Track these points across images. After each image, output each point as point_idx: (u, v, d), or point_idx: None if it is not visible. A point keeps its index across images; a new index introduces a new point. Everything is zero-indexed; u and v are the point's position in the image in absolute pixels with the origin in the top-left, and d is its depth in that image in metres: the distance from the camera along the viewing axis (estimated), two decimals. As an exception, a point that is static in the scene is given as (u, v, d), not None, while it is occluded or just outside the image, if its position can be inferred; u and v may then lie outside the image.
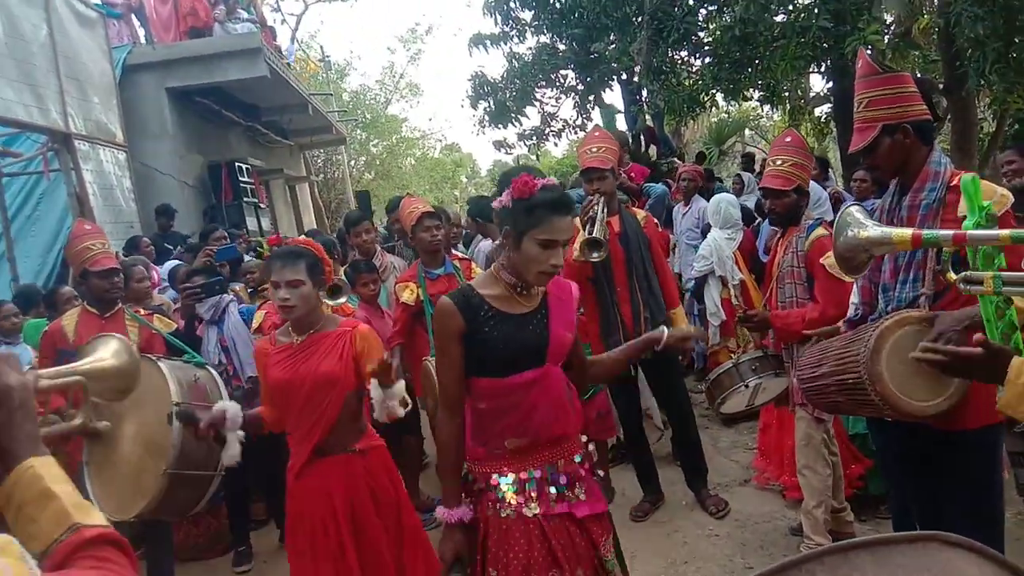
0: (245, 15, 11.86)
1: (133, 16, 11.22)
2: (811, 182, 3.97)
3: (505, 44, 13.11)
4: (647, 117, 12.49)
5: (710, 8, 10.00)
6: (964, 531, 1.03)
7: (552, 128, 14.20)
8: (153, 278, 5.69)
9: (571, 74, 13.41)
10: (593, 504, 2.31)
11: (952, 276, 1.61)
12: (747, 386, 4.01)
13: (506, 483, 2.26)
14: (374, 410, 2.82)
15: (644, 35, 9.68)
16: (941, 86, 8.07)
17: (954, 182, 2.39)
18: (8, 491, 1.10)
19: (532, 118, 13.93)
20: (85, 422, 1.74)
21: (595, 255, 4.05)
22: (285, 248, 3.09)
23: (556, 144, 15.51)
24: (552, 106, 14.12)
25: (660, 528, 4.42)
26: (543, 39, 12.96)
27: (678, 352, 4.59)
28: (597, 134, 4.57)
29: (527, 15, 12.58)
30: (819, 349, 2.76)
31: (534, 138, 14.21)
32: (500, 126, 13.62)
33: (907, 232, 1.72)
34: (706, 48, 10.15)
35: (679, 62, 10.55)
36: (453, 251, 4.99)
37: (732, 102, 11.87)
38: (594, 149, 4.32)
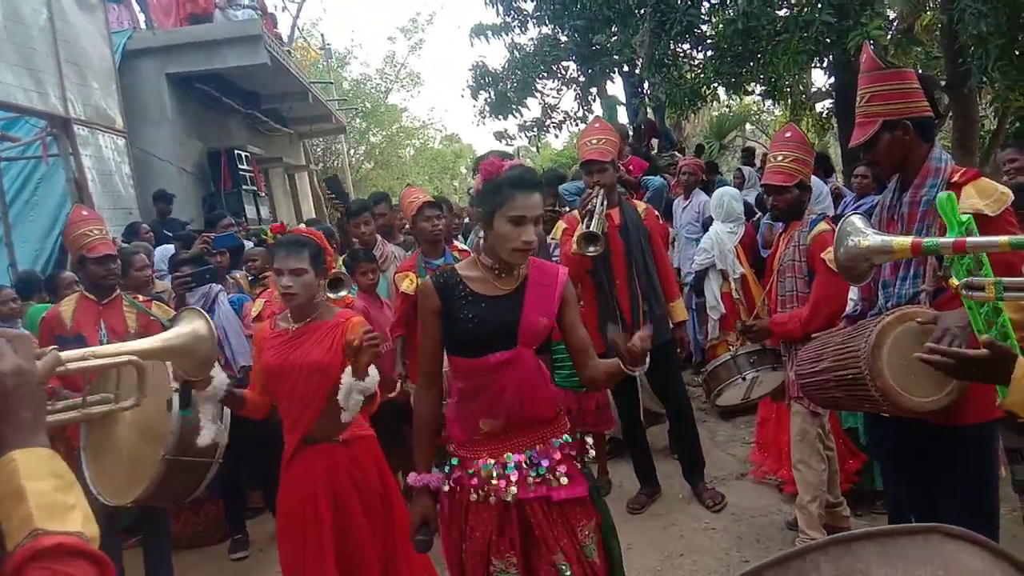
0: (246, 2, 11.82)
1: (133, 1, 11.19)
2: (812, 177, 3.97)
3: (506, 35, 13.08)
4: (648, 110, 12.47)
5: (713, 1, 9.95)
6: (961, 525, 1.03)
7: (553, 120, 14.19)
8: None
9: (572, 66, 13.39)
10: (571, 489, 2.33)
11: (955, 282, 1.61)
12: (744, 379, 4.02)
13: (486, 469, 2.32)
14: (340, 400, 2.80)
15: (646, 27, 9.64)
16: (943, 83, 8.05)
17: (955, 179, 2.39)
18: None
19: (533, 109, 13.93)
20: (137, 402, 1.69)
21: (591, 249, 4.05)
22: (290, 236, 3.12)
23: (557, 136, 15.51)
24: (553, 98, 14.12)
25: (657, 521, 4.43)
26: (545, 30, 12.92)
27: (676, 345, 4.59)
28: (597, 126, 4.55)
29: (529, 5, 12.55)
30: (818, 344, 2.76)
31: (535, 129, 14.20)
32: (501, 117, 13.60)
33: (907, 240, 1.73)
34: (708, 41, 10.11)
35: (681, 55, 10.51)
36: (454, 242, 4.98)
37: (733, 96, 11.86)
38: (594, 141, 4.31)
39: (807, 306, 3.44)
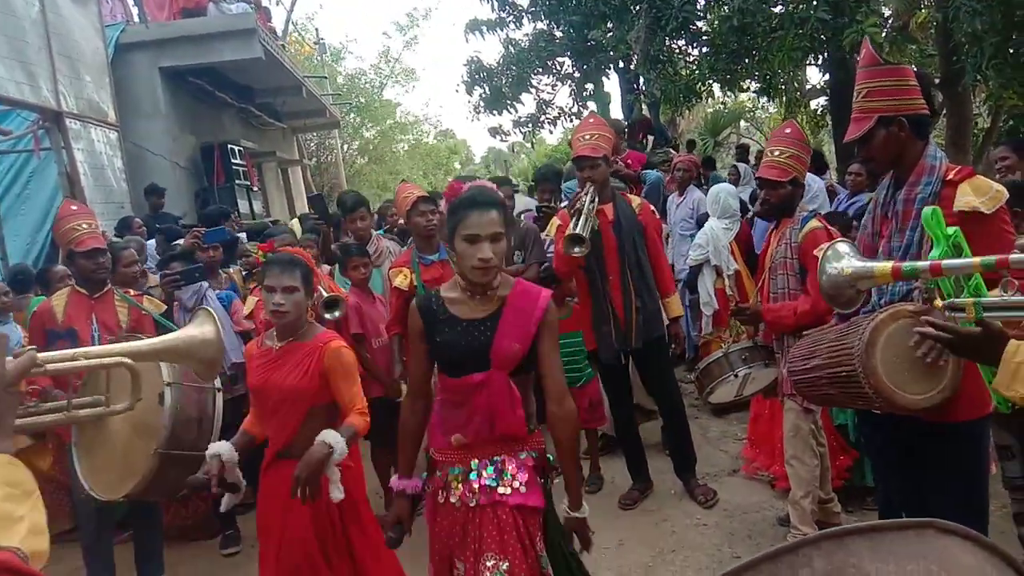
0: (240, -5, 11.75)
1: (127, -6, 11.13)
2: (808, 175, 3.97)
3: (501, 30, 13.06)
4: (643, 107, 12.47)
5: (708, -2, 9.97)
6: (952, 521, 1.03)
7: (547, 115, 14.18)
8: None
9: (568, 61, 13.38)
10: (526, 497, 2.40)
11: (939, 303, 1.64)
12: (736, 376, 4.02)
13: (453, 474, 2.44)
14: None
15: (642, 23, 9.65)
16: (937, 81, 8.07)
17: (949, 177, 2.39)
18: None
19: (528, 105, 13.92)
20: (131, 405, 1.64)
21: (576, 250, 4.05)
22: (284, 255, 3.16)
23: (551, 132, 15.50)
24: (548, 93, 14.10)
25: (648, 517, 4.44)
26: (540, 25, 12.91)
27: (669, 341, 4.60)
28: (592, 121, 4.54)
29: (524, 1, 12.53)
30: (810, 341, 2.76)
31: (529, 125, 14.19)
32: (495, 112, 13.59)
33: (887, 265, 1.77)
34: (704, 38, 10.11)
35: (676, 51, 10.53)
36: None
37: (728, 93, 11.87)
38: (587, 137, 4.30)
39: (807, 299, 3.41)
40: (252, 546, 4.64)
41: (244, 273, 5.35)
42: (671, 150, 10.91)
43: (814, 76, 13.91)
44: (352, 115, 24.88)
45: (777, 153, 3.60)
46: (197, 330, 2.05)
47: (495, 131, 14.77)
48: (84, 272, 3.94)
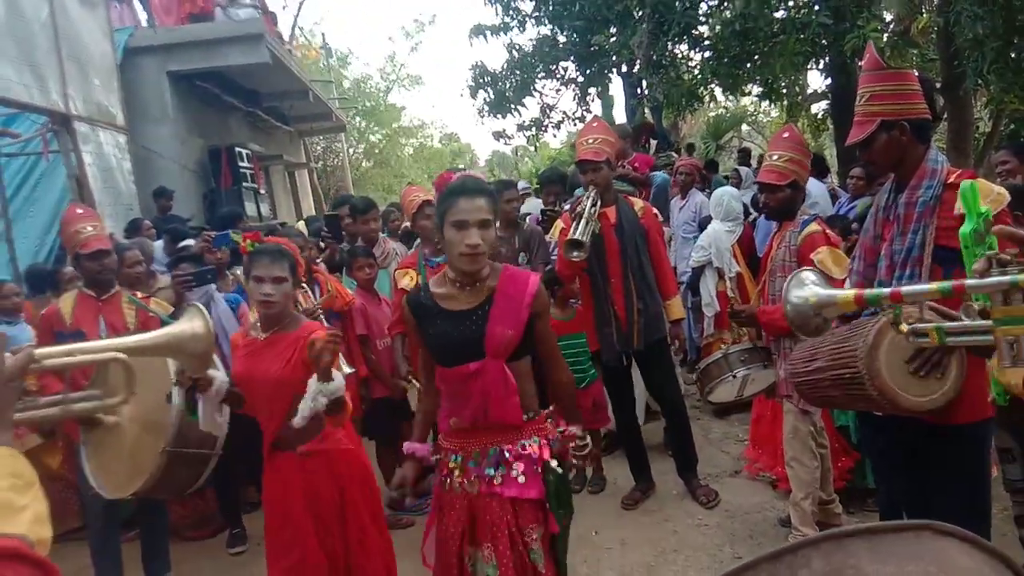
0: (247, 0, 11.83)
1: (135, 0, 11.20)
2: (811, 180, 3.99)
3: (505, 34, 13.11)
4: (646, 111, 12.51)
5: (711, 3, 10.01)
6: (955, 523, 1.03)
7: (551, 119, 14.22)
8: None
9: (571, 66, 13.42)
10: (523, 489, 2.40)
11: (904, 328, 1.66)
12: (734, 376, 4.05)
13: (455, 461, 2.47)
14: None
15: (645, 28, 9.70)
16: (938, 85, 8.10)
17: (951, 180, 2.40)
18: None
19: (531, 109, 13.97)
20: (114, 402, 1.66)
21: (575, 255, 4.09)
22: (272, 245, 3.15)
23: (555, 135, 15.53)
24: (552, 97, 14.15)
25: (650, 517, 4.47)
26: (544, 30, 12.97)
27: (672, 342, 4.63)
28: (595, 125, 4.55)
29: (528, 5, 12.60)
30: (812, 344, 2.77)
31: (533, 129, 14.23)
32: (499, 116, 13.63)
33: (850, 293, 1.76)
34: (706, 42, 10.15)
35: (679, 56, 10.57)
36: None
37: (730, 97, 11.90)
38: (590, 140, 4.33)
39: None
40: (258, 544, 4.69)
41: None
42: (673, 154, 10.96)
43: (815, 80, 13.96)
44: (358, 119, 24.94)
45: (776, 157, 3.62)
46: (187, 325, 2.06)
47: (499, 135, 14.84)
48: (89, 274, 3.95)
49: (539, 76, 13.39)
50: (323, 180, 20.96)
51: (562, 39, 12.73)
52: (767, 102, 12.13)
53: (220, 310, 4.62)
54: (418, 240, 5.19)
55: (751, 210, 6.66)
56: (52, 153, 7.72)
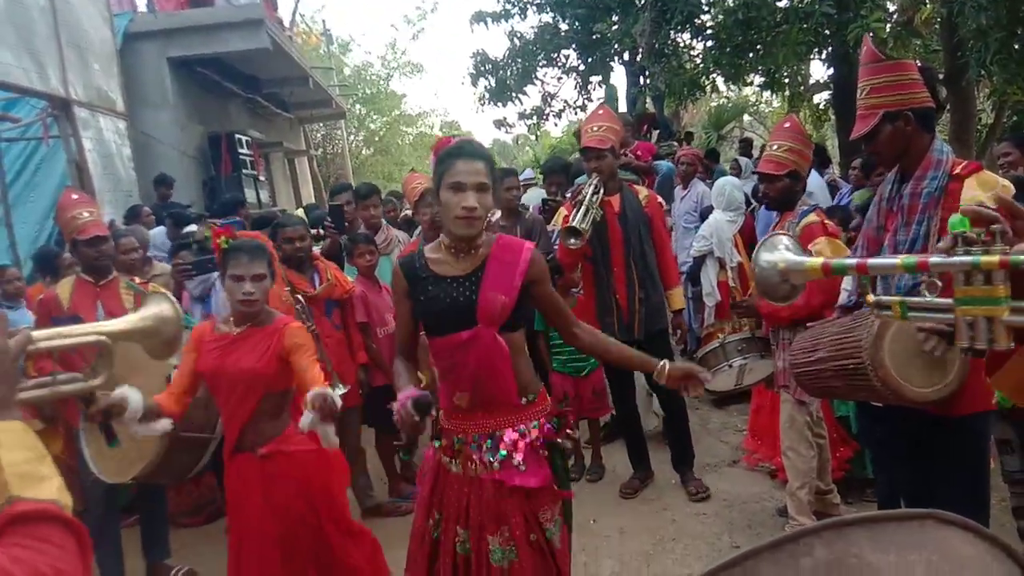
0: (248, -15, 11.78)
1: (135, -15, 11.15)
2: (813, 171, 3.99)
3: (507, 22, 13.06)
4: (648, 100, 12.49)
5: (713, -8, 9.97)
6: (957, 513, 1.03)
7: (552, 108, 14.18)
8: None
9: (572, 54, 13.38)
10: (526, 478, 2.36)
11: (871, 298, 1.64)
12: (731, 366, 4.06)
13: (458, 442, 2.43)
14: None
15: (647, 17, 9.67)
16: (941, 76, 8.08)
17: (956, 171, 2.40)
18: None
19: (533, 97, 13.94)
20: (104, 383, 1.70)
21: (572, 242, 4.09)
22: (249, 241, 3.07)
23: (556, 124, 15.50)
24: (553, 86, 14.11)
25: (649, 505, 4.49)
26: (545, 18, 12.93)
27: (672, 332, 4.63)
28: (601, 112, 4.53)
29: (530, -7, 12.56)
30: (813, 334, 2.78)
31: (534, 117, 14.19)
32: (500, 105, 13.60)
33: (817, 261, 1.73)
34: (708, 31, 10.12)
35: (681, 45, 10.53)
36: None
37: (732, 87, 11.88)
38: (595, 128, 4.32)
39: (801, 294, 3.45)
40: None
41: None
42: (674, 143, 10.94)
43: (818, 71, 13.95)
44: (358, 106, 24.87)
45: (776, 147, 3.61)
46: (156, 308, 2.04)
47: (500, 123, 14.80)
48: (87, 259, 3.93)
49: (540, 64, 13.35)
50: (323, 167, 20.91)
51: (564, 27, 12.69)
52: (769, 92, 12.10)
53: (221, 298, 4.63)
54: (418, 229, 5.20)
55: (752, 200, 6.66)
56: (52, 138, 7.70)
